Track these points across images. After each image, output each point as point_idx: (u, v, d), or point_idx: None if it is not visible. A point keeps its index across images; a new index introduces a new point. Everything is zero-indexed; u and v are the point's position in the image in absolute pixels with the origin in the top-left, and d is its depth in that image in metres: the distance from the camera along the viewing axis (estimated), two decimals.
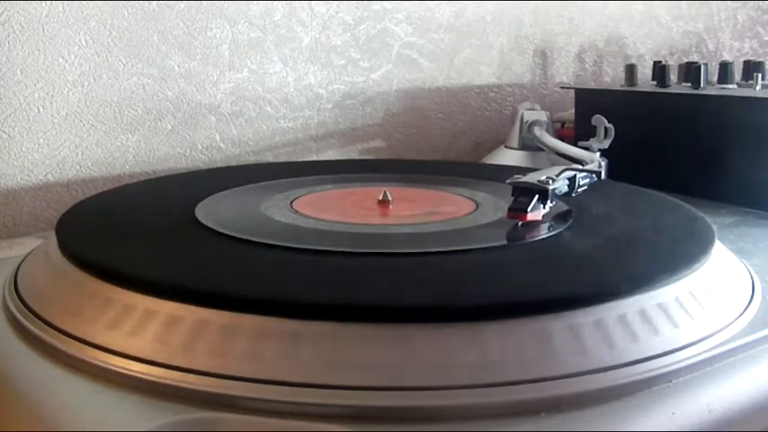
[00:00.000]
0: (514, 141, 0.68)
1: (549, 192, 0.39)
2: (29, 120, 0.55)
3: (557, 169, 0.42)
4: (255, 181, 0.51)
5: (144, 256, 0.35)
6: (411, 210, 0.45)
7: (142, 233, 0.39)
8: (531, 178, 0.40)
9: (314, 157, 0.69)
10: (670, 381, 0.27)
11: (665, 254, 0.35)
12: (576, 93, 0.70)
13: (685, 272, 0.32)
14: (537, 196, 0.39)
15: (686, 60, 0.73)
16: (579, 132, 0.66)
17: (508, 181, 0.40)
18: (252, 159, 0.66)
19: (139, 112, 0.60)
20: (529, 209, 0.38)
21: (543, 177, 0.40)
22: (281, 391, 0.25)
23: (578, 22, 0.85)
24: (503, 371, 0.26)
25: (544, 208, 0.40)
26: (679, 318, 0.30)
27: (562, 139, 0.62)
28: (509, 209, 0.39)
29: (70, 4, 0.56)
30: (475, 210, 0.44)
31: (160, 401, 0.26)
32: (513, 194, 0.40)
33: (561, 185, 0.41)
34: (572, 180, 0.42)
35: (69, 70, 0.56)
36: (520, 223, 0.39)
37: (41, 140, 0.56)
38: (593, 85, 0.82)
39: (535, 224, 0.39)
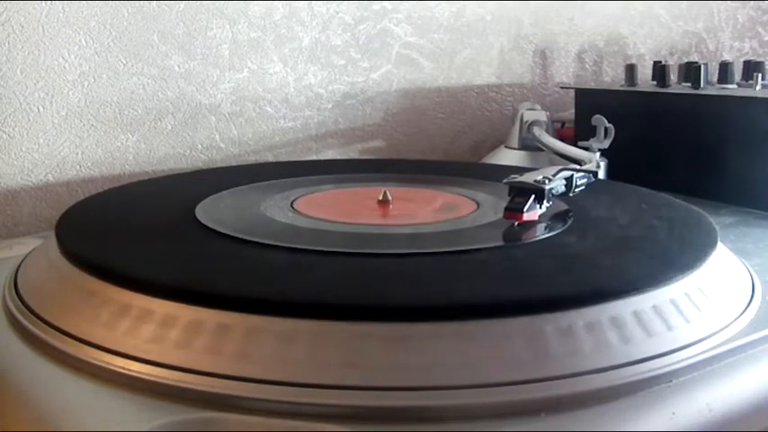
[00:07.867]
0: (514, 141, 0.68)
1: (546, 192, 0.39)
2: (29, 120, 0.55)
3: (553, 169, 0.42)
4: (255, 181, 0.51)
5: (144, 256, 0.35)
6: (411, 210, 0.45)
7: (142, 233, 0.39)
8: (527, 178, 0.40)
9: (314, 157, 0.69)
10: (670, 381, 0.27)
11: (665, 254, 0.35)
12: (576, 93, 0.70)
13: (685, 272, 0.32)
14: (533, 196, 0.39)
15: (686, 60, 0.73)
16: (579, 132, 0.66)
17: (505, 181, 0.40)
18: (252, 159, 0.66)
19: (139, 112, 0.60)
20: (525, 209, 0.38)
21: (540, 177, 0.40)
22: (280, 391, 0.25)
23: (578, 22, 0.85)
24: (503, 371, 0.26)
25: (540, 208, 0.39)
26: (679, 318, 0.30)
27: (562, 139, 0.62)
28: (505, 209, 0.39)
29: (70, 4, 0.56)
30: (475, 210, 0.44)
31: (160, 401, 0.26)
32: (509, 194, 0.40)
33: (558, 185, 0.41)
34: (569, 180, 0.42)
35: (69, 70, 0.56)
36: (517, 223, 0.39)
37: (41, 140, 0.56)
38: (593, 85, 0.82)
39: (533, 224, 0.39)
